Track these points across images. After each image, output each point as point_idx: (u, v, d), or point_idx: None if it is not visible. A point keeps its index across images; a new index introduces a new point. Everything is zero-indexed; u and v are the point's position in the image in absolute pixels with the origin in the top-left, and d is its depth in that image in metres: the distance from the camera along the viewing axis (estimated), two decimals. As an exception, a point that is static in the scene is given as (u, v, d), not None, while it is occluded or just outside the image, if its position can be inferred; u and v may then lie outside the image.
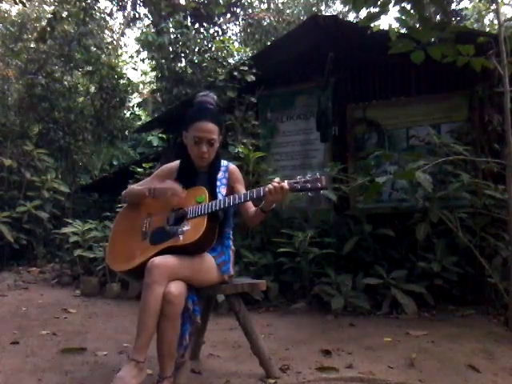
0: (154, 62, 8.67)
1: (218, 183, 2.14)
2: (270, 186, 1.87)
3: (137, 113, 10.93)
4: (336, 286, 3.68)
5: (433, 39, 2.98)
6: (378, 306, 3.62)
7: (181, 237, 1.89)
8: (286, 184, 1.86)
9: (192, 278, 1.90)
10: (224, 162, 2.24)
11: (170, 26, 8.37)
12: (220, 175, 2.17)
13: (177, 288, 1.80)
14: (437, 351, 2.56)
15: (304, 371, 2.23)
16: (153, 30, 9.06)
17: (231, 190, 2.15)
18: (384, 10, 2.99)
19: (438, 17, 8.11)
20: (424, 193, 3.43)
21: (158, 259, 1.82)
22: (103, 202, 8.46)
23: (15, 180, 7.46)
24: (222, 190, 2.12)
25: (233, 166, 2.25)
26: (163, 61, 8.05)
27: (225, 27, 11.96)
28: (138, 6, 12.23)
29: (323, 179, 1.82)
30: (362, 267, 3.90)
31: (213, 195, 2.05)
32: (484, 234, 3.54)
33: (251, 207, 2.09)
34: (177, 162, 2.24)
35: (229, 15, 11.99)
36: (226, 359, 2.48)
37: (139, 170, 5.41)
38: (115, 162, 9.15)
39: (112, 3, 11.99)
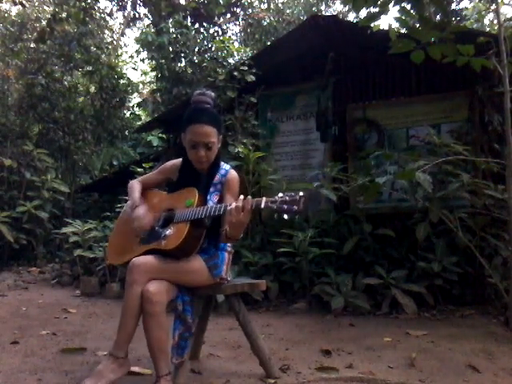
0: (153, 62, 8.68)
1: (212, 189, 2.06)
2: (233, 204, 1.77)
3: (137, 113, 10.94)
4: (336, 286, 3.68)
5: (433, 39, 2.98)
6: (378, 306, 3.62)
7: (163, 242, 1.89)
8: (248, 204, 1.72)
9: (177, 279, 1.90)
10: (226, 166, 2.13)
11: (170, 26, 8.38)
12: (217, 179, 2.08)
13: (155, 286, 1.79)
14: (437, 351, 2.56)
15: (304, 371, 2.23)
16: (153, 30, 9.06)
17: (222, 197, 2.06)
18: (384, 9, 2.99)
19: (437, 17, 8.10)
20: (424, 193, 3.42)
21: (138, 259, 1.83)
22: (103, 202, 8.47)
23: (15, 180, 7.48)
24: (214, 197, 2.05)
25: (232, 174, 2.11)
26: (163, 61, 8.05)
27: (225, 27, 11.98)
28: (138, 5, 12.25)
29: (301, 203, 1.66)
30: (362, 267, 3.89)
31: (204, 199, 2.01)
32: (484, 233, 3.54)
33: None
34: (180, 160, 2.19)
35: (229, 15, 12.00)
36: (226, 359, 2.47)
37: (139, 170, 5.42)
38: (115, 162, 9.16)
39: (112, 3, 12.01)
